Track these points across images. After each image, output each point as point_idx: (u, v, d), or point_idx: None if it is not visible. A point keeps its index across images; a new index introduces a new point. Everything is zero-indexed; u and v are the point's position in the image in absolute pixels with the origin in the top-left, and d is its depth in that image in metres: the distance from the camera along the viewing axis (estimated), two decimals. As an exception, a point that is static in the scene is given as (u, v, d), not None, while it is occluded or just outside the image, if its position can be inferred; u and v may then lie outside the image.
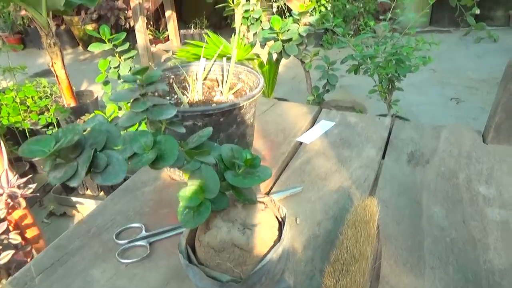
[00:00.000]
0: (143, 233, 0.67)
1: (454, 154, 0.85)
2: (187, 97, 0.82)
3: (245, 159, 0.49)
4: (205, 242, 0.47)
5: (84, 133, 0.46)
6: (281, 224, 0.52)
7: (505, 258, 0.59)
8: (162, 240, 0.66)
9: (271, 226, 0.50)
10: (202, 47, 2.15)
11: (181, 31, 4.16)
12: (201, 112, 0.68)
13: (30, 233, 1.46)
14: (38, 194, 1.98)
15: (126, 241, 0.65)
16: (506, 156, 0.83)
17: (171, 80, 0.85)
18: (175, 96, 0.83)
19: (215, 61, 0.88)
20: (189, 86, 0.83)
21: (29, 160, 2.26)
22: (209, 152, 0.50)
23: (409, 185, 0.77)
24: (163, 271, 0.60)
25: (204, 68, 0.86)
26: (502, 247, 0.61)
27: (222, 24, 4.68)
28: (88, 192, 2.06)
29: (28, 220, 1.47)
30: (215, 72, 0.89)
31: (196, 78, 0.83)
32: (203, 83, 0.86)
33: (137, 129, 0.76)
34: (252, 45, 2.20)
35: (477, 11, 3.70)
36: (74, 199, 2.00)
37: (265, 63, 2.29)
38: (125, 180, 0.83)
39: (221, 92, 0.83)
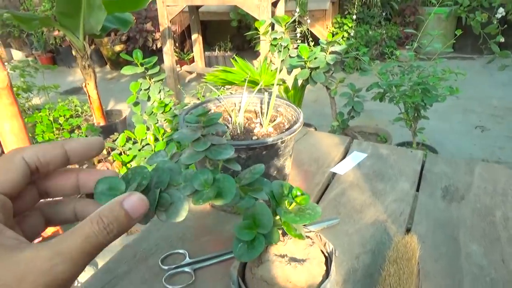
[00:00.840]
0: (187, 259, 0.70)
1: (489, 191, 0.86)
2: (229, 128, 0.85)
3: (295, 195, 0.52)
4: (259, 275, 0.49)
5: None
6: (327, 259, 0.54)
7: (548, 301, 0.60)
8: (205, 267, 0.69)
9: (319, 261, 0.52)
10: (229, 72, 2.22)
11: (206, 53, 4.29)
12: (247, 146, 0.71)
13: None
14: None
15: (171, 266, 0.68)
16: (542, 195, 0.84)
17: (211, 111, 0.89)
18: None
19: (255, 93, 0.92)
20: (230, 118, 0.87)
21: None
22: (261, 189, 0.53)
23: (445, 221, 0.78)
24: (208, 299, 0.63)
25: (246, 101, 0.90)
26: (544, 289, 0.62)
27: (245, 47, 4.79)
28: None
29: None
30: (254, 104, 0.93)
31: (238, 110, 0.87)
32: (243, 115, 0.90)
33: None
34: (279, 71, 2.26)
35: (502, 39, 3.70)
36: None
37: (290, 88, 2.33)
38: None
39: (261, 124, 0.87)
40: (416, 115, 1.96)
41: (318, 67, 1.82)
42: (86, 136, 2.38)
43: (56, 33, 4.43)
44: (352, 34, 3.95)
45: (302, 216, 0.51)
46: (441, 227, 0.76)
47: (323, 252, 0.55)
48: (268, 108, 0.86)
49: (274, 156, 0.76)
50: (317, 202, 0.85)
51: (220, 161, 0.54)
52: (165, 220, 0.46)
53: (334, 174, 0.96)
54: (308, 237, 0.55)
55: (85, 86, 2.49)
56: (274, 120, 0.88)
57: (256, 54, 4.12)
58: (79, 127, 2.49)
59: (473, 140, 2.64)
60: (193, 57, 4.28)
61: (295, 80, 2.21)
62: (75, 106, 2.68)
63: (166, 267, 0.69)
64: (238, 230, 0.49)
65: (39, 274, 0.28)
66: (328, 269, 0.52)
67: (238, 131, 0.84)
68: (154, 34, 4.13)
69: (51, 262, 0.28)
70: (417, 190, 0.89)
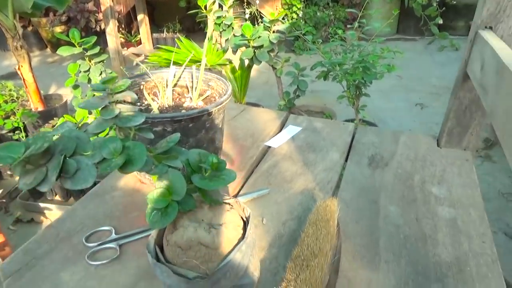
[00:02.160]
0: (113, 235, 0.69)
1: (411, 158, 0.92)
2: (157, 103, 0.84)
3: (211, 163, 0.52)
4: (172, 241, 0.49)
5: (54, 139, 0.47)
6: (245, 224, 0.55)
7: (452, 251, 0.65)
8: (132, 242, 0.68)
9: (236, 225, 0.53)
10: (173, 52, 2.16)
11: (154, 34, 4.14)
12: (171, 118, 0.70)
13: (-5, 240, 1.43)
14: (4, 200, 1.92)
15: (95, 244, 0.67)
16: (456, 159, 0.90)
17: (141, 86, 0.87)
18: (145, 102, 0.85)
19: (185, 68, 0.90)
20: (159, 93, 0.85)
21: (-7, 166, 2.19)
22: (177, 157, 0.52)
23: (369, 187, 0.82)
24: (133, 272, 0.62)
25: (174, 75, 0.89)
26: (450, 242, 0.67)
27: (196, 28, 4.69)
28: (57, 197, 2.02)
29: (-7, 227, 1.43)
30: (185, 79, 0.91)
31: (166, 85, 0.85)
32: (173, 90, 0.88)
33: (107, 135, 0.77)
34: (224, 51, 2.24)
35: (440, 21, 3.90)
36: (42, 205, 1.95)
37: (237, 68, 2.32)
38: (94, 185, 0.84)
39: (191, 98, 0.86)
40: (357, 92, 2.02)
41: (262, 46, 1.82)
42: (23, 122, 2.25)
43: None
44: (300, 15, 3.98)
45: (216, 181, 0.51)
46: (364, 192, 0.80)
47: (242, 218, 0.56)
48: (197, 83, 0.85)
49: (201, 128, 0.76)
50: (250, 175, 0.87)
51: (132, 129, 0.53)
52: (70, 187, 0.44)
53: (269, 147, 0.98)
54: (227, 203, 0.56)
55: (19, 68, 2.33)
56: (204, 94, 0.87)
57: (206, 36, 4.04)
58: (14, 113, 2.33)
59: (413, 117, 2.79)
60: (140, 39, 4.12)
61: (242, 60, 2.20)
62: (10, 90, 2.50)
63: (90, 244, 0.67)
64: (152, 198, 0.49)
65: None
66: (245, 232, 0.53)
67: (167, 105, 0.83)
68: (97, 14, 3.92)
69: None
70: (347, 159, 0.93)
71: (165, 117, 0.70)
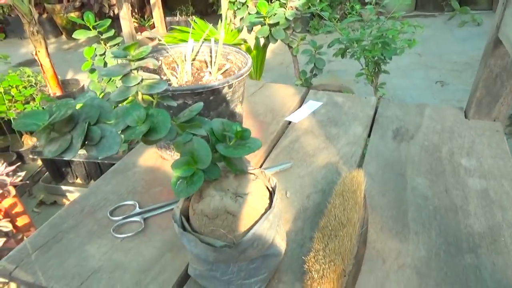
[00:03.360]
0: (137, 209, 0.69)
1: (437, 130, 0.88)
2: (176, 78, 0.82)
3: (235, 131, 0.51)
4: (199, 210, 0.49)
5: (77, 108, 0.47)
6: (271, 194, 0.54)
7: (484, 222, 0.62)
8: (156, 216, 0.67)
9: (262, 195, 0.52)
10: (188, 32, 2.14)
11: (167, 18, 4.12)
12: (191, 90, 0.69)
13: (21, 221, 1.46)
14: (28, 182, 1.97)
15: (120, 217, 0.67)
16: (486, 130, 0.87)
17: (160, 62, 0.86)
18: (165, 78, 0.84)
19: (203, 42, 0.88)
20: (178, 67, 0.83)
21: (16, 151, 2.24)
22: (200, 125, 0.51)
23: (394, 160, 0.79)
24: (158, 245, 0.62)
25: (193, 49, 0.87)
26: (482, 213, 0.64)
27: (209, 11, 4.63)
28: (78, 180, 2.06)
29: (19, 209, 1.46)
30: (204, 54, 0.89)
31: (185, 59, 0.84)
32: (192, 64, 0.86)
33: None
34: (239, 30, 2.20)
35: (461, -5, 3.75)
36: (64, 187, 1.99)
37: (252, 48, 2.29)
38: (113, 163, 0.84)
39: (210, 72, 0.84)
40: (376, 70, 1.97)
41: (277, 23, 1.78)
42: (42, 107, 2.27)
43: (3, 0, 4.11)
44: (315, -7, 3.88)
45: (241, 149, 0.50)
46: (390, 165, 0.78)
47: (267, 188, 0.55)
48: (216, 56, 0.83)
49: (222, 102, 0.74)
50: (271, 150, 0.85)
51: (155, 97, 0.51)
52: (96, 154, 0.44)
53: (289, 122, 0.96)
54: (252, 173, 0.55)
55: (36, 54, 2.34)
56: (223, 68, 0.85)
57: (219, 18, 4.00)
58: (33, 98, 2.37)
59: (434, 95, 2.72)
60: (153, 23, 4.10)
61: (257, 40, 2.16)
62: (28, 76, 2.53)
63: (115, 218, 0.67)
64: (176, 166, 0.48)
65: None
66: (271, 202, 0.52)
67: (186, 80, 0.81)
68: (110, -1, 3.91)
69: None
70: (370, 134, 0.90)
71: (185, 89, 0.69)
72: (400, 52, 1.79)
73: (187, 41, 0.87)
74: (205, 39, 0.90)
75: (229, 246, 0.47)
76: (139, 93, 0.49)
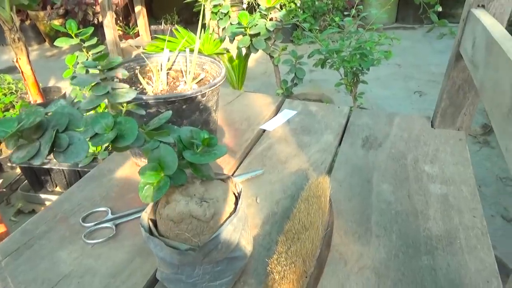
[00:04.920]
0: (109, 215, 0.70)
1: (404, 138, 0.92)
2: (152, 87, 0.84)
3: (203, 138, 0.53)
4: (165, 215, 0.51)
5: (47, 116, 0.48)
6: (237, 199, 0.56)
7: (442, 226, 0.66)
8: (128, 222, 0.69)
9: (228, 200, 0.54)
10: (171, 41, 2.16)
11: (152, 26, 4.13)
12: (164, 99, 0.71)
13: (-3, 229, 1.44)
14: (4, 190, 1.94)
15: (92, 223, 0.68)
16: (450, 139, 0.91)
17: (136, 71, 0.87)
18: (140, 86, 0.85)
19: (179, 52, 0.91)
20: (153, 77, 0.86)
21: (-6, 158, 2.21)
22: (168, 133, 0.53)
23: (362, 167, 0.83)
24: (128, 250, 0.63)
25: (169, 59, 0.89)
26: (441, 217, 0.68)
27: (194, 20, 4.66)
28: (58, 189, 2.04)
29: (-5, 217, 1.44)
30: (180, 64, 0.92)
31: (160, 69, 0.86)
32: (167, 74, 0.88)
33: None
34: (222, 40, 2.24)
35: (440, 9, 3.86)
36: (43, 196, 1.97)
37: (234, 58, 2.32)
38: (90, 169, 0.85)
39: (185, 82, 0.87)
40: (355, 80, 2.02)
41: (258, 34, 1.82)
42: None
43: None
44: (299, 4, 3.96)
45: (207, 155, 0.52)
46: (357, 172, 0.81)
47: (234, 193, 0.57)
48: (191, 66, 0.85)
49: (195, 110, 0.77)
50: (245, 157, 0.88)
51: (124, 106, 0.53)
52: (63, 161, 0.45)
53: (264, 131, 0.98)
54: (219, 179, 0.57)
55: (17, 61, 2.33)
56: (198, 77, 0.87)
57: (204, 28, 4.03)
58: (13, 105, 2.34)
59: (412, 105, 2.79)
60: (138, 31, 4.11)
61: (239, 49, 2.20)
62: (8, 83, 2.51)
63: (87, 224, 0.68)
64: (143, 172, 0.50)
65: None
66: (235, 206, 0.54)
67: (161, 89, 0.83)
68: (94, 7, 3.90)
69: None
70: (341, 142, 0.93)
71: (158, 98, 0.71)
72: (377, 63, 1.85)
73: (170, 50, 0.89)
74: (181, 50, 0.92)
75: (194, 249, 0.49)
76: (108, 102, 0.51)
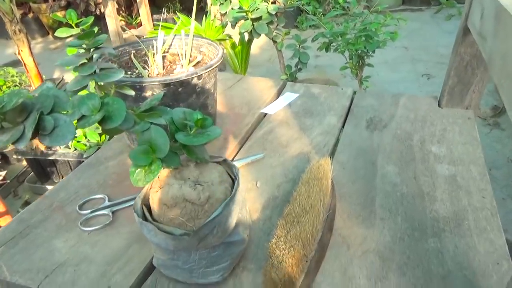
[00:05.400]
0: (106, 203, 0.68)
1: (410, 119, 0.89)
2: (148, 71, 0.82)
3: (196, 119, 0.51)
4: (158, 199, 0.49)
5: (31, 98, 0.46)
6: (234, 182, 0.54)
7: (450, 207, 0.63)
8: (125, 208, 0.67)
9: (224, 183, 0.52)
10: (172, 29, 2.13)
11: (154, 16, 4.09)
12: (159, 82, 0.69)
13: (3, 221, 1.45)
14: (8, 181, 1.95)
15: (88, 211, 0.67)
16: (458, 118, 0.87)
17: (131, 55, 0.85)
18: (136, 71, 0.83)
19: (175, 35, 0.88)
20: (149, 60, 0.83)
21: (0, 152, 2.22)
22: (160, 115, 0.51)
23: (366, 148, 0.80)
24: (125, 237, 0.62)
25: (164, 42, 0.86)
26: (448, 198, 0.65)
27: (196, 8, 4.61)
28: (63, 180, 2.04)
29: (1, 208, 1.45)
30: (176, 47, 0.89)
31: (156, 52, 0.84)
32: (164, 57, 0.86)
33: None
34: (223, 25, 2.20)
35: (447, -11, 3.77)
36: (49, 187, 1.98)
37: (237, 44, 2.28)
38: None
39: (182, 65, 0.84)
40: (360, 63, 1.98)
41: (260, 18, 1.78)
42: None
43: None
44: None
45: (200, 137, 0.50)
46: (361, 154, 0.78)
47: (230, 176, 0.55)
48: (187, 49, 0.82)
49: (192, 93, 0.74)
50: (245, 141, 0.85)
51: (113, 87, 0.51)
52: (48, 144, 0.44)
53: (265, 114, 0.96)
54: (214, 162, 0.55)
55: (19, 53, 2.32)
56: (195, 60, 0.85)
57: (205, 16, 3.98)
58: (17, 98, 2.34)
59: (420, 88, 2.73)
60: (140, 21, 4.07)
61: (241, 35, 2.16)
62: (12, 76, 2.50)
63: (83, 212, 0.67)
64: (134, 155, 0.48)
65: None
66: (232, 190, 0.52)
67: (157, 73, 0.81)
68: (96, -3, 3.87)
69: None
70: (344, 124, 0.90)
71: (153, 81, 0.69)
72: (382, 45, 1.80)
73: (165, 34, 0.86)
74: (177, 32, 0.89)
75: (188, 234, 0.47)
76: (95, 82, 0.49)
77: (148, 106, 0.51)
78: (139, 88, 0.69)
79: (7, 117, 0.43)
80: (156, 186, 0.50)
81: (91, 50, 0.49)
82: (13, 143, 0.43)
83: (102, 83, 0.50)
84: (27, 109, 0.45)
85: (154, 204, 0.49)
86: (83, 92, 0.50)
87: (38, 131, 0.44)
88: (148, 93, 0.70)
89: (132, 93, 0.51)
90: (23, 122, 0.44)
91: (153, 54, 0.83)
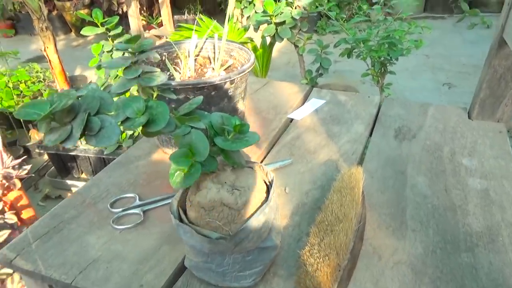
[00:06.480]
0: (137, 202, 0.69)
1: (439, 129, 0.88)
2: (180, 73, 0.83)
3: (234, 125, 0.51)
4: (196, 202, 0.49)
5: (78, 99, 0.47)
6: (268, 188, 0.54)
7: (483, 222, 0.62)
8: (156, 208, 0.68)
9: (259, 188, 0.52)
10: (197, 31, 2.15)
11: (175, 16, 4.13)
12: (193, 85, 0.70)
13: (26, 214, 1.48)
14: (33, 175, 1.99)
15: (120, 209, 0.68)
16: (489, 131, 0.86)
17: (163, 57, 0.86)
18: (168, 73, 0.84)
19: (207, 38, 0.89)
20: (181, 63, 0.84)
21: (23, 145, 2.27)
22: (199, 119, 0.52)
23: (395, 158, 0.79)
24: (156, 237, 0.62)
25: (196, 45, 0.87)
26: (481, 212, 0.64)
27: (216, 10, 4.64)
28: (83, 175, 2.08)
29: (24, 201, 1.48)
30: (207, 50, 0.90)
31: (188, 55, 0.85)
32: (195, 60, 0.87)
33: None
34: (246, 29, 2.21)
35: (471, -3, 3.71)
36: (69, 182, 2.01)
37: (258, 47, 2.29)
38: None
39: (213, 68, 0.85)
40: (382, 70, 1.96)
41: (284, 22, 1.78)
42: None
43: (14, -3, 4.15)
44: (324, -6, 3.88)
45: (239, 142, 0.50)
46: (390, 163, 0.78)
47: (265, 182, 0.55)
48: (219, 53, 0.83)
49: (224, 97, 0.75)
50: (273, 146, 0.86)
51: (155, 90, 0.52)
52: (94, 144, 0.45)
53: (291, 120, 0.96)
54: (250, 167, 0.55)
55: (45, 50, 2.37)
56: (226, 64, 0.85)
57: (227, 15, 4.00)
58: (41, 93, 2.39)
59: (441, 97, 2.70)
60: (161, 21, 4.12)
61: (263, 38, 2.17)
62: (36, 72, 2.56)
63: (115, 210, 0.68)
64: (174, 158, 0.48)
65: None
66: (268, 196, 0.52)
67: (189, 75, 0.82)
68: (119, -3, 3.94)
69: None
70: (372, 132, 0.90)
71: (187, 84, 0.69)
72: (406, 53, 1.78)
73: (198, 37, 0.87)
74: (209, 36, 0.90)
75: (225, 238, 0.48)
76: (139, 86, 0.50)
77: (187, 110, 0.52)
78: (173, 91, 0.70)
79: (56, 117, 0.45)
80: (194, 189, 0.51)
81: (136, 54, 0.50)
82: (61, 143, 0.44)
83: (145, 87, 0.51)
84: (75, 110, 0.46)
85: (191, 206, 0.50)
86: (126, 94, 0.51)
87: (84, 132, 0.45)
88: (181, 96, 0.71)
89: (174, 96, 0.52)
90: (70, 122, 0.46)
91: (186, 56, 0.84)
